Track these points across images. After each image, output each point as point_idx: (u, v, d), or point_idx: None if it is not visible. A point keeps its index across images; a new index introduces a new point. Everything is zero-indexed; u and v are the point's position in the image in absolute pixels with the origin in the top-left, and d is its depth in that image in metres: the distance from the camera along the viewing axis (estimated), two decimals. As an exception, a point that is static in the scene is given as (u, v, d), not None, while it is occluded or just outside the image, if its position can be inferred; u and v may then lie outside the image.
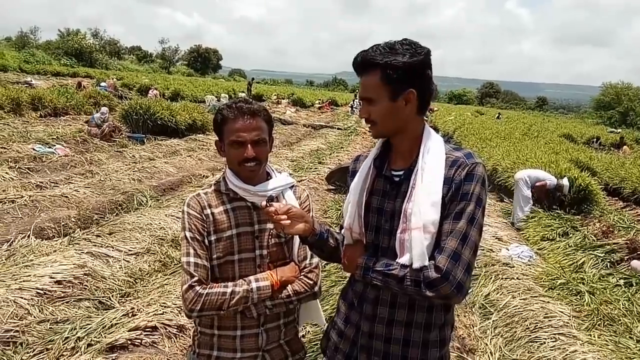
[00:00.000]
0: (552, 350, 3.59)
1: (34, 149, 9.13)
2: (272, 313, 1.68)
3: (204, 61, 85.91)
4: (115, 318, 3.52)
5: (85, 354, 3.13)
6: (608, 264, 5.70)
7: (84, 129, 11.64)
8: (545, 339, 3.74)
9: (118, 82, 29.70)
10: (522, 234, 7.17)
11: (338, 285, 4.41)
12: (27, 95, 14.88)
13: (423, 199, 1.41)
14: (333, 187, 8.79)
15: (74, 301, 3.87)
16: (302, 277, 1.71)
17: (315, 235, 1.61)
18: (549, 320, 3.99)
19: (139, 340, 3.33)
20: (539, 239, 6.73)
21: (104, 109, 12.32)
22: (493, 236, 6.40)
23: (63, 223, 5.51)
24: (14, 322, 3.41)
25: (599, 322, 4.19)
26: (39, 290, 3.83)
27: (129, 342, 3.28)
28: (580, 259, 5.76)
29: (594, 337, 3.89)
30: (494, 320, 4.09)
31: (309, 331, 3.66)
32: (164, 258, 4.88)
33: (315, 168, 10.50)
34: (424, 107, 1.51)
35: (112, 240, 5.00)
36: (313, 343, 3.51)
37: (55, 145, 9.73)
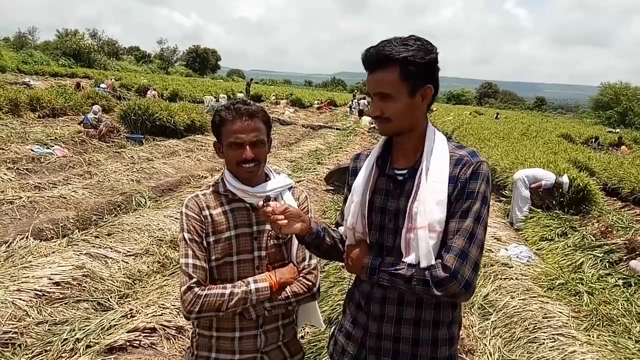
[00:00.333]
0: (551, 350, 3.59)
1: (32, 150, 9.12)
2: (271, 314, 1.68)
3: (202, 61, 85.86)
4: (114, 319, 3.52)
5: (84, 355, 3.13)
6: (607, 264, 5.71)
7: (82, 130, 11.62)
8: (544, 339, 3.74)
9: (116, 82, 29.67)
10: (521, 234, 7.18)
11: (337, 286, 4.40)
12: (25, 95, 14.86)
13: (429, 198, 1.41)
14: (332, 188, 8.79)
15: (72, 302, 3.86)
16: (300, 278, 1.71)
17: (312, 235, 1.60)
18: (548, 321, 4.00)
19: (138, 342, 3.32)
20: (537, 239, 6.74)
21: (96, 108, 12.30)
22: (492, 236, 6.40)
23: (61, 224, 5.50)
24: (13, 324, 3.40)
25: (598, 323, 4.20)
26: (37, 292, 3.82)
27: (128, 344, 3.28)
28: (579, 259, 5.77)
29: (593, 337, 3.89)
30: (493, 321, 4.09)
31: (307, 332, 3.66)
32: (163, 259, 4.88)
33: (314, 168, 10.50)
34: (431, 104, 1.51)
35: (111, 242, 5.00)
36: (312, 344, 3.51)
37: (53, 146, 9.72)
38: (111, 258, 4.67)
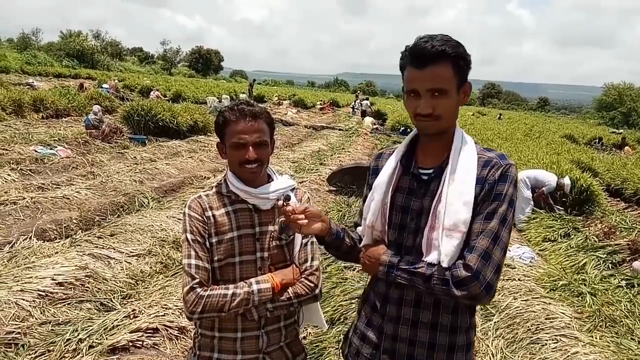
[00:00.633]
0: (553, 351, 3.59)
1: (35, 151, 9.15)
2: (273, 315, 1.68)
3: (205, 62, 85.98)
4: (116, 320, 3.53)
5: (86, 355, 3.14)
6: (610, 265, 5.70)
7: (85, 131, 11.66)
8: (547, 340, 3.74)
9: (119, 83, 29.74)
10: (524, 235, 7.17)
11: (339, 286, 4.41)
12: (29, 96, 14.92)
13: (455, 198, 1.40)
14: (334, 189, 8.79)
15: (75, 303, 3.88)
16: (302, 279, 1.71)
17: (332, 235, 1.60)
18: (551, 322, 3.99)
19: (141, 342, 3.33)
20: (540, 240, 6.73)
21: (96, 108, 12.31)
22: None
23: (65, 225, 5.52)
24: (16, 324, 3.42)
25: (601, 324, 4.19)
26: (40, 292, 3.84)
27: (131, 344, 3.29)
28: (582, 260, 5.76)
29: (596, 338, 3.88)
30: (495, 322, 4.09)
31: (309, 332, 3.66)
32: (165, 259, 4.89)
33: (317, 169, 10.50)
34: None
35: (114, 242, 5.01)
36: (314, 344, 3.51)
37: (56, 147, 9.74)
38: (114, 258, 4.68)
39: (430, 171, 1.51)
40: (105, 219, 6.03)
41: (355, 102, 32.67)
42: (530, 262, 5.57)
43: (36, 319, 3.54)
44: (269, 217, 1.71)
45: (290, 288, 1.68)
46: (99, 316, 3.68)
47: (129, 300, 4.07)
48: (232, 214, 1.67)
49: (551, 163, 9.99)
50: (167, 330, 3.49)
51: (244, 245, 1.67)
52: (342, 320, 3.90)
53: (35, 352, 3.17)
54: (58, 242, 5.05)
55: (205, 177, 8.95)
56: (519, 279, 4.94)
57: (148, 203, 6.80)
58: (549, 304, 4.35)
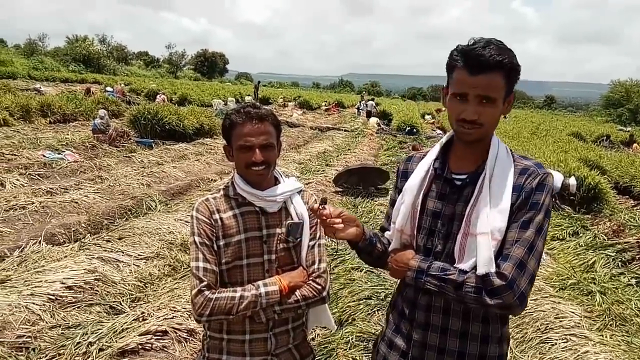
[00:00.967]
0: (563, 351, 3.57)
1: (43, 156, 9.22)
2: (281, 318, 1.68)
3: (210, 65, 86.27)
4: (126, 323, 3.55)
5: (97, 359, 3.15)
6: (619, 263, 5.66)
7: (92, 135, 11.72)
8: (557, 339, 3.72)
9: (126, 87, 29.90)
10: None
11: (347, 287, 4.41)
12: (36, 102, 15.02)
13: (491, 206, 1.38)
14: (341, 189, 8.79)
15: (85, 306, 3.90)
16: (310, 282, 1.71)
17: (366, 240, 1.59)
18: (560, 321, 3.97)
19: (150, 345, 3.34)
20: (549, 238, 6.69)
21: (102, 112, 12.37)
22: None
23: (73, 229, 5.56)
24: (26, 328, 3.44)
25: (611, 322, 4.16)
26: (50, 296, 3.87)
27: (140, 347, 3.30)
28: (591, 258, 5.72)
29: (606, 337, 3.86)
30: (510, 317, 4.07)
31: (318, 334, 3.66)
32: (174, 262, 4.91)
33: (323, 170, 10.51)
34: None
35: (122, 245, 5.04)
36: (322, 346, 3.51)
37: (64, 152, 9.81)
38: (122, 262, 4.70)
39: (465, 176, 1.49)
40: (113, 223, 6.07)
41: (360, 102, 32.65)
42: (539, 261, 5.54)
43: (46, 322, 3.57)
44: (276, 219, 1.71)
45: (298, 290, 1.68)
46: (109, 319, 3.69)
47: (137, 303, 4.09)
48: (240, 217, 1.67)
49: (558, 161, 9.94)
50: (176, 333, 3.50)
51: (251, 247, 1.67)
52: (350, 321, 3.90)
53: (46, 355, 3.19)
54: (67, 246, 5.08)
55: (212, 180, 8.98)
56: (527, 278, 4.91)
57: (156, 206, 6.83)
58: (558, 303, 4.33)
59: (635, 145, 21.49)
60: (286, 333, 1.73)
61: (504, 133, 18.28)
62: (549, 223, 1.42)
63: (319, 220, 1.61)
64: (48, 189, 6.96)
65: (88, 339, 3.33)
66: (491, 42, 1.38)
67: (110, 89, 25.92)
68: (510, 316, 1.64)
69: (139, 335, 3.37)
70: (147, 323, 3.54)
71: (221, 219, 1.66)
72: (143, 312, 3.71)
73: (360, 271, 4.77)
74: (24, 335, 3.35)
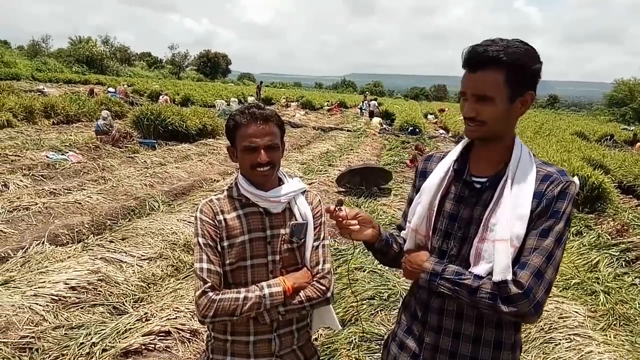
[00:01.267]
0: (567, 351, 3.56)
1: (47, 157, 9.25)
2: (285, 319, 1.68)
3: (213, 66, 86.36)
4: (129, 323, 3.55)
5: (100, 359, 3.16)
6: (623, 262, 5.65)
7: (95, 136, 11.76)
8: (560, 339, 3.71)
9: (129, 88, 29.96)
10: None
11: (350, 288, 4.40)
12: (39, 103, 15.08)
13: (511, 211, 1.35)
14: (343, 190, 8.79)
15: (88, 307, 3.91)
16: (314, 282, 1.70)
17: (382, 241, 1.58)
18: (564, 321, 3.96)
19: (153, 345, 3.35)
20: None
21: (104, 113, 12.40)
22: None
23: (77, 229, 5.57)
24: (30, 328, 3.45)
25: (615, 322, 4.15)
26: (53, 296, 3.88)
27: (143, 347, 3.31)
28: (595, 258, 5.70)
29: (610, 337, 3.85)
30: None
31: (321, 334, 3.66)
32: (177, 263, 4.91)
33: (326, 170, 10.51)
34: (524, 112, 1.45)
35: (125, 246, 5.05)
36: (325, 346, 3.51)
37: (68, 152, 9.84)
38: (126, 262, 4.71)
39: (485, 180, 1.46)
40: (116, 223, 6.08)
41: (363, 102, 32.64)
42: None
43: (50, 323, 3.58)
44: (280, 220, 1.70)
45: (302, 291, 1.67)
46: (112, 320, 3.70)
47: (141, 304, 4.10)
48: (243, 218, 1.67)
49: (562, 161, 9.91)
50: (179, 333, 3.51)
51: (255, 248, 1.67)
52: (353, 321, 3.89)
53: (49, 356, 3.20)
54: (70, 246, 5.09)
55: (214, 180, 8.98)
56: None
57: (159, 207, 6.84)
58: (562, 303, 4.32)
59: (639, 144, 21.42)
60: (290, 334, 1.72)
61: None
62: (569, 232, 1.39)
63: (325, 219, 1.60)
64: (51, 190, 6.98)
65: (91, 339, 3.34)
66: (494, 41, 1.36)
67: (113, 90, 25.99)
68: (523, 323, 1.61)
69: (142, 336, 3.38)
70: (150, 323, 3.54)
71: (225, 220, 1.66)
72: (146, 313, 3.72)
73: (363, 271, 4.77)
74: (27, 336, 3.36)
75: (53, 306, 3.78)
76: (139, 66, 75.85)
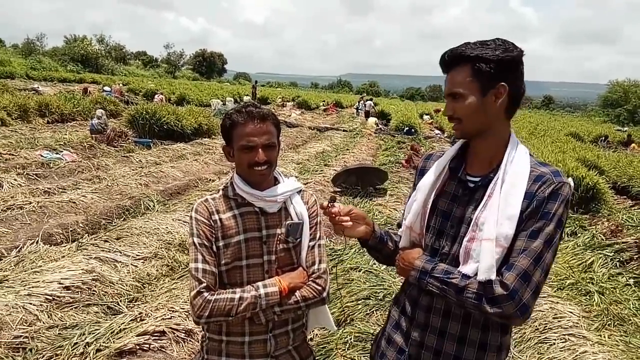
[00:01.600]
0: (561, 351, 3.57)
1: (41, 155, 9.20)
2: (281, 319, 1.67)
3: (209, 65, 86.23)
4: (123, 323, 3.53)
5: (94, 359, 3.14)
6: (617, 263, 5.67)
7: (90, 136, 11.71)
8: (555, 339, 3.72)
9: (124, 87, 29.86)
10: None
11: (345, 288, 4.40)
12: (34, 101, 15.00)
13: (499, 211, 1.34)
14: (339, 189, 8.79)
15: (82, 306, 3.89)
16: (310, 282, 1.70)
17: (376, 238, 1.58)
18: (559, 321, 3.97)
19: (148, 345, 3.33)
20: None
21: (99, 112, 12.35)
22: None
23: (71, 229, 5.54)
24: (23, 328, 3.43)
25: (609, 322, 4.17)
26: (47, 296, 3.85)
27: (138, 347, 3.29)
28: (589, 258, 5.72)
29: (604, 337, 3.86)
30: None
31: (316, 334, 3.66)
32: (172, 262, 4.90)
33: (321, 170, 10.50)
34: (513, 109, 1.44)
35: (120, 245, 5.02)
36: (321, 346, 3.51)
37: (62, 151, 9.79)
38: (120, 262, 4.69)
39: (478, 179, 1.46)
40: (111, 223, 6.05)
41: (359, 102, 32.67)
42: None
43: (43, 323, 3.56)
44: (276, 220, 1.70)
45: (297, 291, 1.67)
46: (106, 320, 3.68)
47: (135, 304, 4.08)
48: (239, 217, 1.66)
49: (557, 161, 9.95)
50: (174, 333, 3.49)
51: (251, 248, 1.66)
52: (349, 321, 3.89)
53: (43, 356, 3.18)
54: (64, 246, 5.06)
55: (210, 180, 8.97)
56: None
57: (154, 206, 6.82)
58: (557, 303, 4.33)
59: (633, 145, 21.55)
60: (286, 334, 1.72)
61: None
62: (562, 235, 1.37)
63: (321, 219, 1.60)
64: (46, 189, 6.94)
65: (85, 339, 3.32)
66: (469, 42, 1.40)
67: (108, 89, 25.89)
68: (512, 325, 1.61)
69: (137, 336, 3.36)
70: (145, 323, 3.53)
71: (220, 219, 1.65)
72: (141, 313, 3.70)
73: (359, 271, 4.77)
74: (21, 336, 3.34)
75: (47, 306, 3.75)
76: (135, 65, 75.65)
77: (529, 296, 1.30)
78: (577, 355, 3.49)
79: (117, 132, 11.78)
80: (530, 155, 1.44)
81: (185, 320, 3.63)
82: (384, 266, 4.64)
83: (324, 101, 37.45)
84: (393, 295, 1.76)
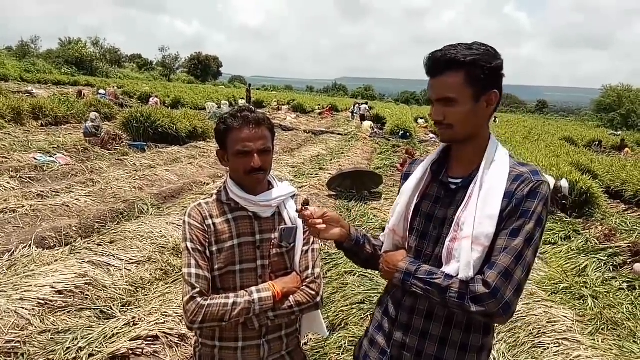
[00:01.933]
0: (555, 355, 3.57)
1: (35, 158, 9.14)
2: (274, 324, 1.67)
3: (204, 68, 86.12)
4: (116, 327, 3.51)
5: (86, 364, 3.12)
6: (611, 267, 5.69)
7: (84, 139, 11.66)
8: (549, 344, 3.72)
9: (119, 90, 29.77)
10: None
11: (340, 292, 4.40)
12: (28, 104, 14.91)
13: (480, 211, 1.36)
14: (334, 193, 8.78)
15: (75, 311, 3.86)
16: (304, 287, 1.69)
17: (352, 241, 1.58)
18: (552, 325, 3.98)
19: (141, 350, 3.31)
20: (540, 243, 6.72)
21: (93, 115, 12.31)
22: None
23: (64, 232, 5.51)
24: (15, 333, 3.40)
25: (603, 326, 4.18)
26: (40, 300, 3.82)
27: (131, 352, 3.26)
28: (583, 262, 5.75)
29: (598, 341, 3.87)
30: (496, 326, 4.07)
31: (310, 339, 3.65)
32: (165, 266, 4.87)
33: (316, 174, 10.50)
34: (494, 112, 1.47)
35: (113, 249, 4.99)
36: (315, 351, 3.50)
37: (56, 154, 9.74)
38: (114, 266, 4.66)
39: (459, 181, 1.48)
40: (104, 226, 6.02)
41: (354, 106, 32.72)
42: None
43: (36, 327, 3.53)
44: (270, 224, 1.69)
45: (291, 296, 1.66)
46: (99, 324, 3.65)
47: (128, 308, 4.05)
48: (233, 222, 1.66)
49: (550, 165, 10.00)
50: (167, 338, 3.47)
51: (244, 253, 1.65)
52: (343, 326, 3.88)
53: (35, 361, 3.15)
54: (57, 249, 5.03)
55: (204, 183, 8.94)
56: (520, 283, 4.92)
57: (148, 210, 6.79)
58: (551, 307, 4.34)
59: (626, 149, 21.70)
60: (279, 340, 1.71)
61: (496, 137, 18.37)
62: (542, 233, 1.39)
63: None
64: (39, 192, 6.90)
65: (78, 344, 3.29)
66: (454, 45, 1.39)
67: (103, 92, 25.81)
68: (496, 325, 1.63)
69: (130, 341, 3.34)
70: (138, 328, 3.50)
71: (214, 224, 1.64)
72: (134, 317, 3.68)
73: (353, 275, 4.76)
74: (12, 340, 3.31)
75: (39, 310, 3.72)
76: (129, 68, 75.43)
77: (511, 294, 1.31)
78: (571, 359, 3.50)
79: (111, 135, 11.73)
80: (510, 156, 1.47)
81: (179, 325, 3.61)
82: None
83: (319, 105, 37.49)
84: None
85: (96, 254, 4.82)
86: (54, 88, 33.21)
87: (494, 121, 37.15)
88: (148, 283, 4.55)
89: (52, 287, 4.01)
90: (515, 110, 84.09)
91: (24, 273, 4.28)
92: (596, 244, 6.38)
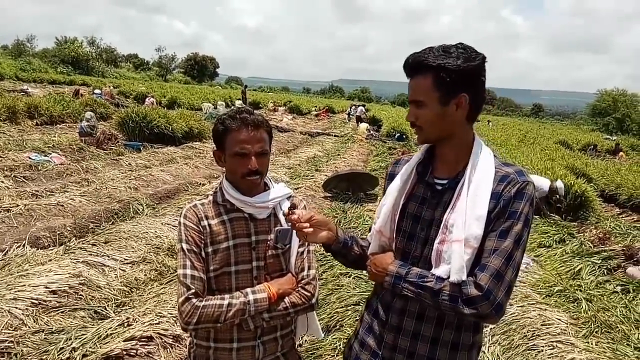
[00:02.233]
0: (549, 358, 3.58)
1: (29, 158, 9.10)
2: (269, 325, 1.66)
3: (200, 69, 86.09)
4: (110, 328, 3.49)
5: (80, 364, 3.10)
6: (605, 270, 5.72)
7: (79, 138, 11.62)
8: (543, 346, 3.73)
9: (115, 90, 29.70)
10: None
11: (335, 293, 4.39)
12: (23, 103, 14.86)
13: (467, 212, 1.36)
14: (330, 195, 8.79)
15: (69, 311, 3.84)
16: (299, 288, 1.69)
17: (339, 243, 1.58)
18: (547, 328, 3.99)
19: (135, 351, 3.30)
20: (535, 245, 6.74)
21: (88, 115, 12.27)
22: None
23: (59, 232, 5.48)
24: (9, 333, 3.38)
25: (597, 329, 4.19)
26: (33, 300, 3.80)
27: (125, 353, 3.25)
28: (577, 265, 5.77)
29: (592, 344, 3.88)
30: (491, 328, 4.08)
31: (305, 340, 3.64)
32: (160, 267, 4.85)
33: (312, 175, 10.50)
34: (474, 114, 1.45)
35: (108, 249, 4.97)
36: (310, 352, 3.49)
37: (51, 154, 9.70)
38: (108, 266, 4.64)
39: (445, 182, 1.48)
40: (99, 226, 5.99)
41: (350, 108, 32.75)
42: (526, 267, 5.57)
43: (29, 327, 3.51)
44: (265, 226, 1.69)
45: (286, 298, 1.66)
46: (93, 324, 3.64)
47: (123, 308, 4.04)
48: (228, 223, 1.65)
49: (545, 169, 10.05)
50: (161, 339, 3.45)
51: (239, 254, 1.65)
52: (338, 327, 3.88)
53: (28, 361, 3.13)
54: (52, 249, 5.01)
55: (200, 184, 8.92)
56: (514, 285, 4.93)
57: (143, 210, 6.76)
58: (545, 310, 4.35)
59: (621, 153, 21.81)
60: (274, 341, 1.71)
61: (491, 140, 18.43)
62: (529, 232, 1.40)
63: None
64: (33, 192, 6.87)
65: (72, 344, 3.28)
66: (432, 47, 1.40)
67: (99, 91, 25.74)
68: (485, 324, 1.64)
69: (124, 341, 3.32)
70: (132, 328, 3.49)
71: (209, 225, 1.64)
72: (128, 318, 3.66)
73: (349, 277, 4.76)
74: (6, 340, 3.29)
75: (33, 310, 3.70)
76: (126, 68, 75.30)
77: (502, 295, 1.33)
78: (564, 362, 3.51)
79: (106, 135, 11.70)
80: (495, 156, 1.47)
81: (173, 325, 3.60)
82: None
83: (315, 106, 37.53)
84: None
85: (90, 254, 4.80)
86: (50, 87, 33.13)
87: (488, 124, 37.25)
88: (142, 283, 4.54)
89: (46, 287, 3.99)
90: (511, 114, 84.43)
91: (17, 273, 4.25)
92: (590, 247, 6.41)
